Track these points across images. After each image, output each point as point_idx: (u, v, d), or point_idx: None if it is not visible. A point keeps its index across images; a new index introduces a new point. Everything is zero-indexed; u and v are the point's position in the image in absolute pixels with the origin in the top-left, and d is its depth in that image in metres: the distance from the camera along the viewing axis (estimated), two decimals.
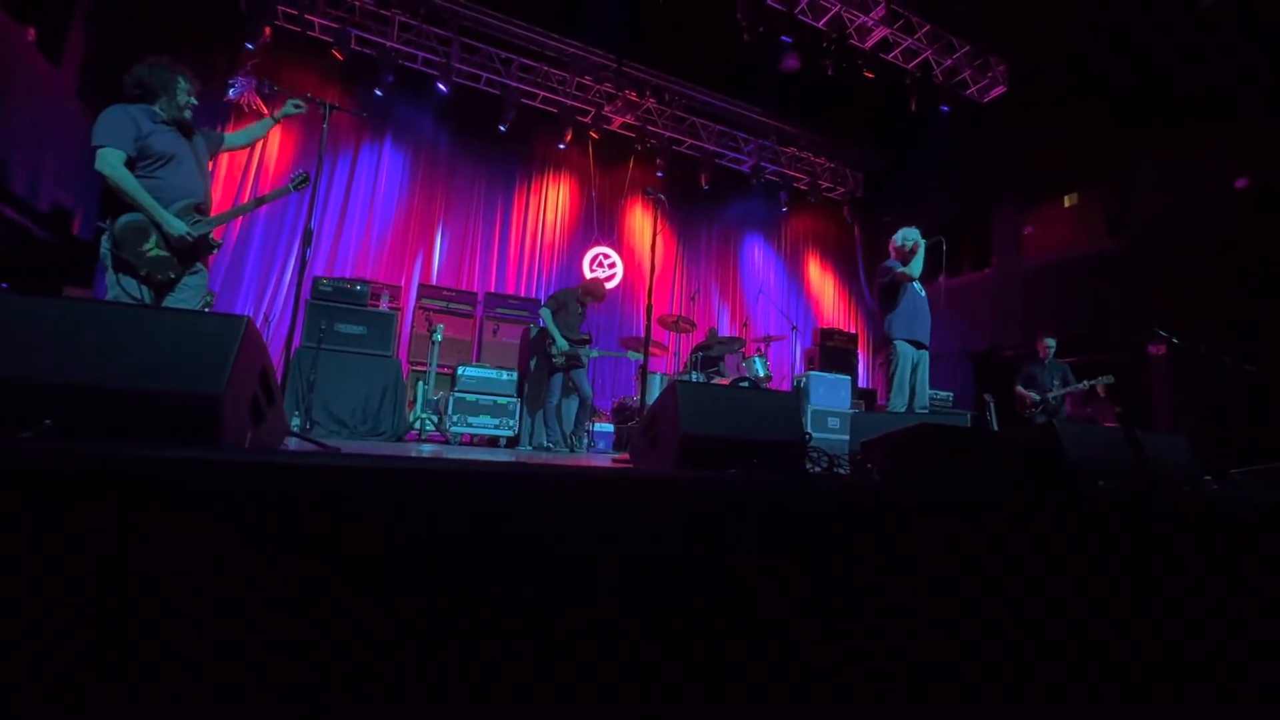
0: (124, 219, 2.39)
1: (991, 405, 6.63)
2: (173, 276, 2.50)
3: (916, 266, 4.28)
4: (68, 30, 5.10)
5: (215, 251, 2.73)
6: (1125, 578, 1.43)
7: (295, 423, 4.23)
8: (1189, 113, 6.33)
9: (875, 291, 4.64)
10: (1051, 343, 5.82)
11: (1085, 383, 5.62)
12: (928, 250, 4.36)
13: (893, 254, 4.49)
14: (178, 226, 2.44)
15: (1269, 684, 1.39)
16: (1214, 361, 5.13)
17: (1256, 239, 5.87)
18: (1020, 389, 5.87)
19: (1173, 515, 1.60)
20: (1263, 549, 1.64)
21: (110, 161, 2.36)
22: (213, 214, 2.68)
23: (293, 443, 2.31)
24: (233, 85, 6.39)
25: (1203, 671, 1.38)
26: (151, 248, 2.42)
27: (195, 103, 2.64)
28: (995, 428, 6.37)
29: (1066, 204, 7.97)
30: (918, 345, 4.28)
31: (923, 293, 4.38)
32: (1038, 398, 5.71)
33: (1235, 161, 6.14)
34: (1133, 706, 1.27)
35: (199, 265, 2.64)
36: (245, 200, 2.49)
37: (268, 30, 6.57)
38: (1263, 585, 1.56)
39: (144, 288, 2.44)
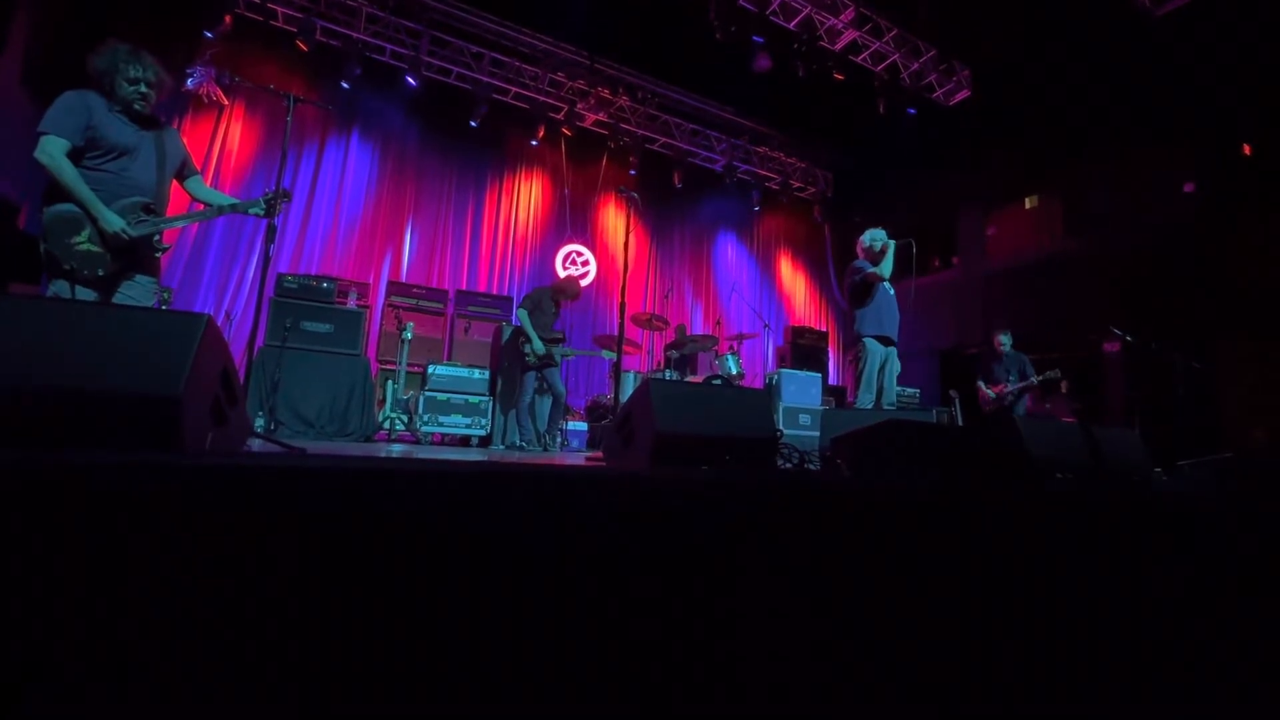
0: (55, 208, 2.25)
1: (957, 401, 6.81)
2: (102, 274, 2.31)
3: (887, 267, 4.38)
4: (11, 14, 4.86)
5: (160, 255, 2.53)
6: (1086, 565, 1.48)
7: (259, 424, 4.12)
8: (1145, 120, 6.59)
9: (846, 290, 4.72)
10: (1005, 338, 5.93)
11: (1034, 379, 5.75)
12: (897, 251, 4.45)
13: (861, 254, 4.58)
14: (114, 222, 2.28)
15: (1214, 663, 1.46)
16: (1164, 359, 5.35)
17: (1206, 242, 6.15)
18: (980, 385, 6.03)
19: (1126, 505, 1.67)
20: (1204, 536, 1.72)
21: (49, 150, 2.22)
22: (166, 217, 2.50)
23: (256, 444, 2.26)
24: (191, 75, 6.19)
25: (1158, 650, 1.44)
26: (82, 241, 2.27)
27: (147, 93, 2.43)
28: (960, 423, 6.54)
29: (1028, 205, 8.22)
30: (886, 342, 4.37)
31: (891, 291, 4.49)
32: (994, 395, 5.87)
33: (1188, 168, 6.41)
34: (1109, 702, 1.32)
35: (140, 276, 2.44)
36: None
37: (228, 19, 6.37)
38: (1201, 569, 1.64)
39: (77, 289, 2.28)
